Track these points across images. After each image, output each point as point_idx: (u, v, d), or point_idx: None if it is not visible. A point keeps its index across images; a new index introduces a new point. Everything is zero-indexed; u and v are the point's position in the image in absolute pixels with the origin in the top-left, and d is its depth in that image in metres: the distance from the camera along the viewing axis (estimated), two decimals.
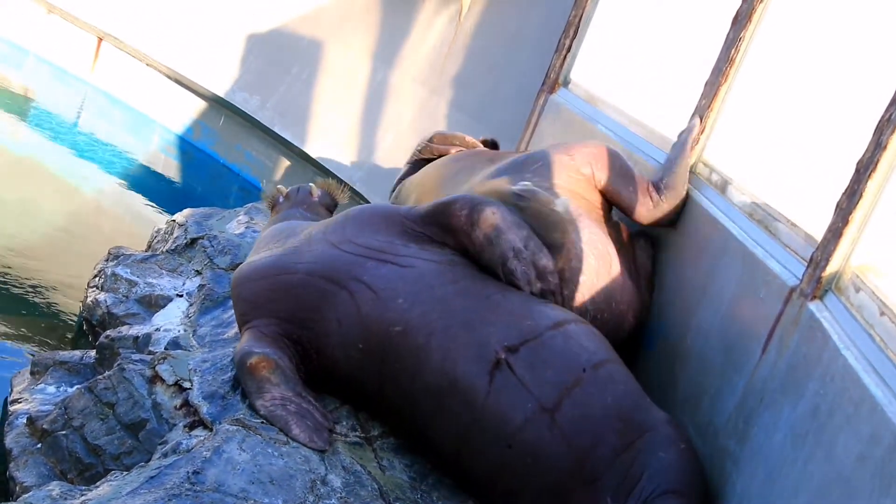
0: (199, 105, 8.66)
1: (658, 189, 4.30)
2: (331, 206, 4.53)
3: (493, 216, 3.52)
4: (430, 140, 5.17)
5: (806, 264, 3.02)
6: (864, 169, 2.82)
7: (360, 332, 3.32)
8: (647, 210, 4.29)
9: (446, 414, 3.17)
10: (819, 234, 2.99)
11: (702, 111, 4.37)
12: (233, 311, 4.26)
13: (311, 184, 4.59)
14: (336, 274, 3.44)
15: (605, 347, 3.35)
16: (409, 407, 3.28)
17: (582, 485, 3.01)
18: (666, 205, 4.29)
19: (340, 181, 4.62)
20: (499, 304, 3.28)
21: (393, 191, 5.25)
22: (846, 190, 2.89)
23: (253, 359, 3.34)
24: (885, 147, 2.75)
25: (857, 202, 2.81)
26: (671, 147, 4.43)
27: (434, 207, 3.60)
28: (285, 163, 8.18)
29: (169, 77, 8.67)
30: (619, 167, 4.29)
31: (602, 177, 4.22)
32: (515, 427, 3.06)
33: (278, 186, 4.56)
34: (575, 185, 4.14)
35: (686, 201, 4.27)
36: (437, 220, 3.56)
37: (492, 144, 5.38)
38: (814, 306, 2.86)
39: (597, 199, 4.25)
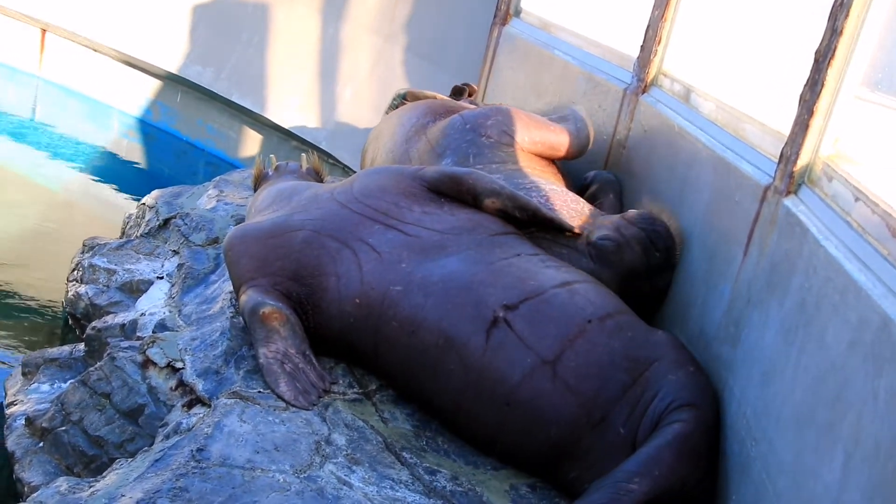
0: (154, 85, 8.53)
1: (566, 120, 4.40)
2: (318, 180, 4.50)
3: (492, 205, 3.58)
4: (404, 97, 5.17)
5: (777, 161, 3.01)
6: (823, 58, 2.80)
7: (358, 288, 3.33)
8: (574, 141, 4.35)
9: (442, 374, 3.17)
10: (786, 129, 2.99)
11: (655, 22, 4.33)
12: (215, 286, 4.25)
13: (302, 154, 4.60)
14: (341, 233, 3.46)
15: (615, 303, 3.30)
16: (404, 367, 3.28)
17: (590, 429, 3.02)
18: (585, 132, 4.40)
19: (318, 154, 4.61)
20: (502, 269, 3.26)
21: None
22: (807, 81, 2.87)
23: (267, 308, 3.36)
24: (841, 32, 2.73)
25: (820, 92, 2.80)
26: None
27: (441, 178, 3.64)
28: (249, 132, 8.09)
29: (119, 60, 8.53)
30: (527, 118, 4.32)
31: (523, 136, 4.24)
32: (513, 384, 3.06)
33: (270, 155, 4.58)
34: (516, 160, 4.16)
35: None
36: (442, 192, 3.62)
37: (458, 91, 5.36)
38: (789, 202, 2.87)
39: (540, 161, 4.28)
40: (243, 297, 3.49)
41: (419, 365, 3.23)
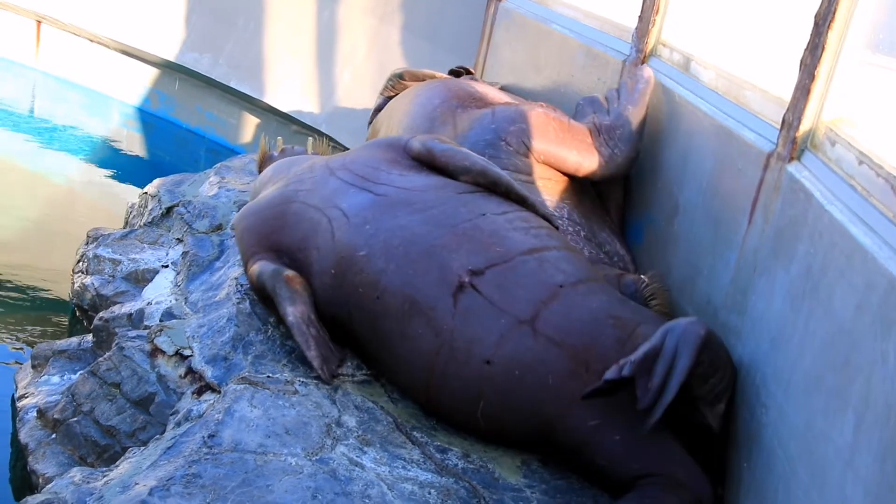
0: (152, 73, 8.51)
1: (610, 138, 4.09)
2: None
3: (466, 181, 3.52)
4: (401, 77, 5.12)
5: (779, 127, 3.00)
6: (823, 21, 2.78)
7: (332, 258, 3.34)
8: (600, 167, 4.09)
9: (411, 339, 3.12)
10: (788, 95, 2.97)
11: None
12: (220, 272, 4.26)
13: (309, 138, 4.62)
14: (323, 201, 3.49)
15: (587, 270, 3.26)
16: (375, 334, 3.25)
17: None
18: (622, 158, 4.09)
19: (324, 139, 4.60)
20: (465, 233, 3.21)
21: (369, 124, 5.23)
22: (808, 45, 2.86)
23: (289, 272, 3.41)
24: None
25: (821, 56, 2.79)
26: (623, 92, 4.22)
27: (421, 150, 3.62)
28: (248, 117, 8.07)
29: (115, 50, 8.50)
30: (554, 132, 4.08)
31: (539, 150, 4.02)
32: (491, 344, 3.01)
33: (278, 137, 4.58)
34: (530, 171, 4.02)
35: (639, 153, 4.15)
36: (424, 163, 3.61)
37: (455, 74, 5.32)
38: (792, 168, 2.86)
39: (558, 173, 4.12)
40: (255, 268, 3.53)
41: (389, 331, 3.18)
